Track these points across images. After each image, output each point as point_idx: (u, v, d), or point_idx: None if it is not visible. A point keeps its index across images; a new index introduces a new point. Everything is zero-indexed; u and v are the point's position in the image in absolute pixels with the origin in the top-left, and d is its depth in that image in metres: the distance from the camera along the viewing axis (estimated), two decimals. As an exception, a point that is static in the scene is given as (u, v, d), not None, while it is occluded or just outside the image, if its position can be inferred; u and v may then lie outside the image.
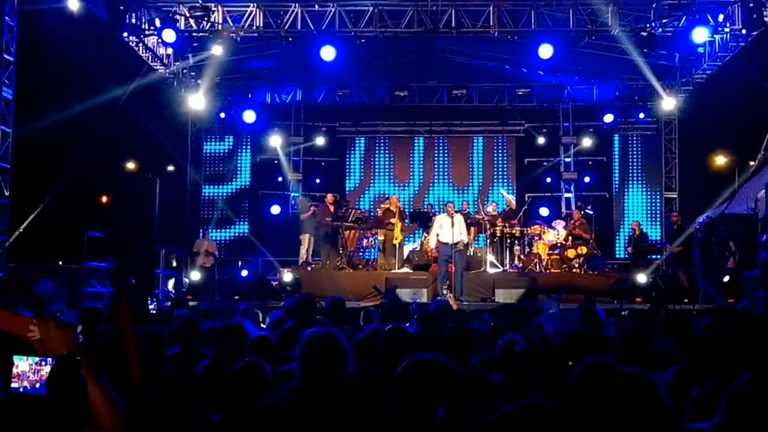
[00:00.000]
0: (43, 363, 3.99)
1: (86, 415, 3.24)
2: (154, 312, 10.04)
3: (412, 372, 3.26)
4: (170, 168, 19.36)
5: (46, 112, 13.52)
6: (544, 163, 22.38)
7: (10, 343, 4.23)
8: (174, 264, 18.38)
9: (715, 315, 7.82)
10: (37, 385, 3.98)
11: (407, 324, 7.70)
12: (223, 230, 21.93)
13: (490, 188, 22.30)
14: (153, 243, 14.45)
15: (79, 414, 3.36)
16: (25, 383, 4.00)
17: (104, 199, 14.80)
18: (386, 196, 20.59)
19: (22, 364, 4.04)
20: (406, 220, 18.75)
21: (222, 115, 21.48)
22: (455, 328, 5.53)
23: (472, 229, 17.86)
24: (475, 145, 22.76)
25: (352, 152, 22.86)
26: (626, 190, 22.17)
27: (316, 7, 16.76)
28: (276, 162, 22.21)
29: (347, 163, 22.84)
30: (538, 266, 17.71)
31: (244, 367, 3.95)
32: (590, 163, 22.24)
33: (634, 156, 22.27)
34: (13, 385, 4.07)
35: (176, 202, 19.42)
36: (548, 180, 22.35)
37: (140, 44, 17.40)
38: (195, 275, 15.94)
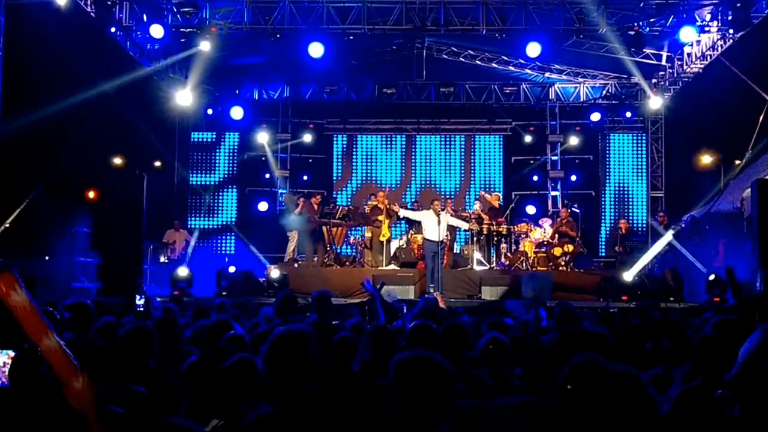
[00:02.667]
0: (1, 353, 3.98)
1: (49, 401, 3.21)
2: (141, 309, 10.01)
3: (407, 369, 3.29)
4: (157, 164, 19.31)
5: (32, 107, 13.46)
6: (531, 162, 22.43)
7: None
8: (162, 259, 18.35)
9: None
10: (3, 379, 3.98)
11: (399, 321, 7.72)
12: (209, 225, 21.92)
13: (477, 186, 22.36)
14: (140, 239, 14.39)
15: (42, 403, 3.34)
16: (2, 378, 4.00)
17: (91, 194, 14.72)
18: (373, 192, 20.53)
19: (1, 357, 4.02)
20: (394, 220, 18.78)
21: (209, 111, 21.43)
22: (450, 325, 5.55)
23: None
24: (462, 143, 22.78)
25: (340, 149, 22.85)
26: (613, 188, 22.25)
27: (305, 3, 16.75)
28: (263, 159, 22.15)
29: (334, 159, 22.82)
30: (524, 264, 17.76)
31: (236, 364, 3.92)
32: (577, 161, 22.29)
33: (621, 154, 22.35)
34: None
35: (164, 197, 19.38)
36: (535, 178, 22.40)
37: (128, 40, 17.35)
38: (182, 271, 15.89)
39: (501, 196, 19.38)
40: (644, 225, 21.44)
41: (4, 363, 4.05)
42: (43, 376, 3.45)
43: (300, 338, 3.93)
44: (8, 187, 13.26)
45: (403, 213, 17.10)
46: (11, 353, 4.04)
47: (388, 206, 17.96)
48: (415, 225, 17.91)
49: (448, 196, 20.49)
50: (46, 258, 14.21)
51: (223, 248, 22.03)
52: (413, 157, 22.73)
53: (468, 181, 22.57)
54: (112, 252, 14.05)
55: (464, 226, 17.41)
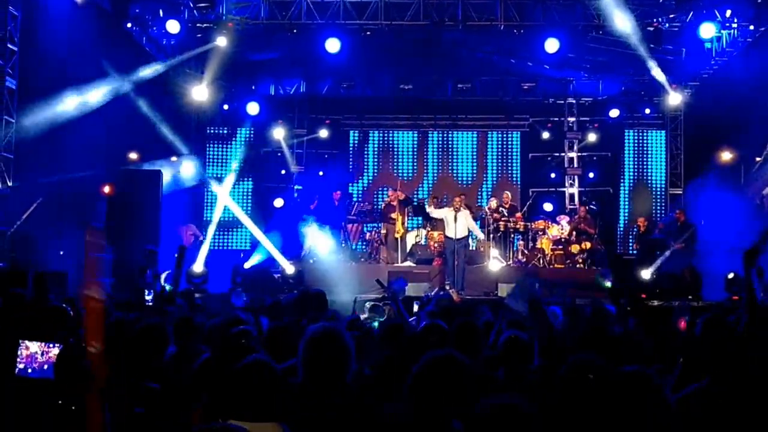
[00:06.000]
0: (51, 346, 4.07)
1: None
2: (150, 303, 9.96)
3: (429, 369, 3.26)
4: (173, 159, 19.27)
5: (48, 102, 13.48)
6: (549, 158, 22.24)
7: (15, 325, 4.27)
8: (176, 255, 18.28)
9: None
10: (45, 367, 4.05)
11: (413, 318, 7.65)
12: (226, 226, 21.89)
13: (494, 182, 22.24)
14: (157, 234, 14.41)
15: (85, 396, 3.37)
16: (34, 365, 4.07)
17: (107, 189, 14.73)
18: (388, 188, 20.46)
19: (32, 346, 4.12)
20: (409, 212, 18.73)
21: (225, 106, 21.35)
22: (462, 323, 5.49)
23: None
24: (479, 139, 22.63)
25: (355, 145, 22.76)
26: (631, 185, 22.07)
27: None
28: (279, 154, 22.11)
29: (350, 155, 22.73)
30: (541, 261, 17.66)
31: (252, 364, 3.85)
32: (595, 158, 22.08)
33: (640, 151, 22.15)
34: (19, 366, 4.12)
35: (179, 193, 19.35)
36: (553, 175, 22.17)
37: (144, 35, 17.34)
38: (198, 267, 15.89)
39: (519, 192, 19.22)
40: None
41: (49, 356, 4.17)
42: (87, 369, 3.52)
43: (339, 336, 3.97)
44: (24, 181, 13.27)
45: (429, 210, 16.91)
46: (57, 347, 4.14)
47: (402, 198, 17.97)
48: (432, 221, 17.88)
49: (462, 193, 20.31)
50: (60, 252, 14.21)
51: (238, 244, 22.01)
52: (429, 153, 22.61)
53: (485, 177, 22.41)
54: (127, 247, 14.05)
55: (479, 235, 17.37)
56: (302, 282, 15.67)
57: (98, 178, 15.09)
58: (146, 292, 9.90)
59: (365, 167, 22.67)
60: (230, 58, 18.17)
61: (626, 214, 21.92)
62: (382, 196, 21.03)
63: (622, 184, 22.07)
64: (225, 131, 22.37)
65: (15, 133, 13.83)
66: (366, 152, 22.72)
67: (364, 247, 19.36)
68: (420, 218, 19.66)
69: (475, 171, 22.50)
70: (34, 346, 4.23)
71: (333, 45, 16.60)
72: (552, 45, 16.51)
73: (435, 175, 22.51)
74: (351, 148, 22.74)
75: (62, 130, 13.60)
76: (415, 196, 21.51)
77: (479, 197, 21.66)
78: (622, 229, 21.81)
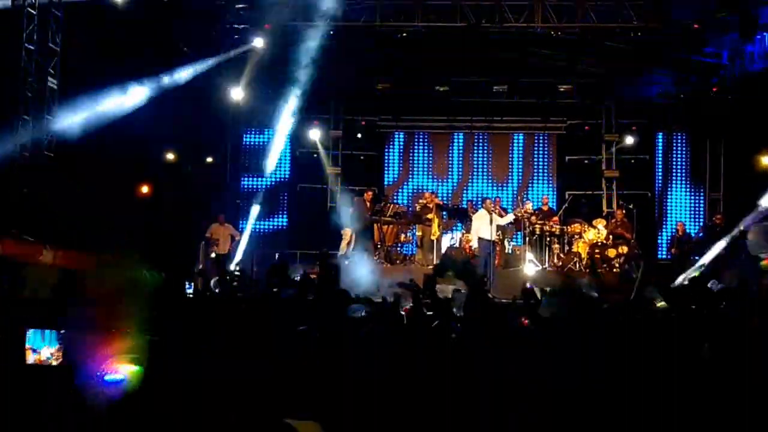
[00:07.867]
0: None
1: None
2: (191, 295, 10.01)
3: None
4: (209, 159, 19.37)
5: (89, 102, 13.62)
6: (586, 161, 22.01)
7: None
8: (213, 255, 18.35)
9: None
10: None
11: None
12: (262, 222, 21.94)
13: (530, 185, 22.10)
14: (191, 234, 14.50)
15: None
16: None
17: (145, 189, 14.85)
18: (424, 190, 20.42)
19: (44, 351, 4.14)
20: (444, 213, 18.69)
21: (262, 108, 21.38)
22: None
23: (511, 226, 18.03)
24: (516, 142, 22.48)
25: (391, 146, 22.73)
26: (669, 189, 21.77)
27: (359, -1, 16.71)
28: (315, 156, 22.14)
29: (386, 157, 22.71)
30: (577, 265, 17.50)
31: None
32: (633, 161, 21.81)
33: (678, 155, 21.85)
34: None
35: (215, 193, 19.45)
36: (589, 178, 21.96)
37: (182, 35, 17.41)
38: (233, 267, 15.95)
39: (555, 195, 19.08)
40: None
41: (58, 357, 4.19)
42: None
43: None
44: (63, 181, 13.42)
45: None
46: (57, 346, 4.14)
47: (438, 204, 17.95)
48: (470, 225, 17.84)
49: (497, 195, 20.23)
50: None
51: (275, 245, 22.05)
52: (465, 155, 22.49)
53: (524, 180, 22.26)
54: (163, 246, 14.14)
55: (510, 218, 17.39)
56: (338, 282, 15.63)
57: (135, 177, 15.22)
58: (187, 284, 9.92)
59: (400, 168, 22.60)
60: (267, 60, 18.22)
61: (665, 219, 21.60)
62: (417, 197, 20.98)
63: (666, 189, 21.72)
64: (261, 132, 22.39)
65: (56, 133, 14.00)
66: (401, 153, 22.65)
67: (399, 248, 19.31)
68: (460, 223, 19.57)
69: (510, 173, 22.32)
70: (47, 352, 4.27)
71: (369, 46, 16.59)
72: (589, 47, 16.38)
73: (469, 176, 22.36)
74: (386, 150, 22.70)
75: (101, 130, 13.74)
76: (464, 198, 21.47)
77: (525, 199, 21.42)
78: (668, 234, 21.41)
